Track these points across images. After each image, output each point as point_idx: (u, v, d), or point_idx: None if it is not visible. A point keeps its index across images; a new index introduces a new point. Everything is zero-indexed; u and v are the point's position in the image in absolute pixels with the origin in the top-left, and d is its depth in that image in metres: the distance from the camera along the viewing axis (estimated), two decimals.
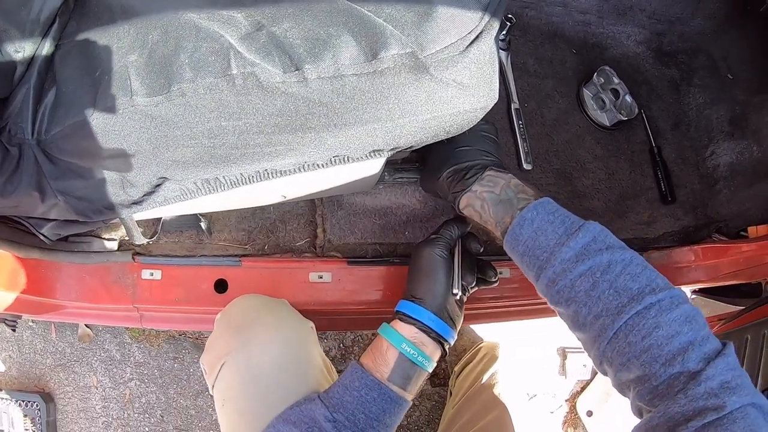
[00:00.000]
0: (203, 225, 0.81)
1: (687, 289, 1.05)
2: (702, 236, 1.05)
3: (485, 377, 1.05)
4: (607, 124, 1.01)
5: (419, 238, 0.82)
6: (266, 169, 0.63)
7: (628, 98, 1.03)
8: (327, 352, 1.23)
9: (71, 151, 0.58)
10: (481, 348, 1.12)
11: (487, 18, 0.53)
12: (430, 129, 0.58)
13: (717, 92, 1.14)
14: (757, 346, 0.86)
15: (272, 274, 0.82)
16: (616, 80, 1.03)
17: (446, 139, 0.68)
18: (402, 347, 0.62)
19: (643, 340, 0.48)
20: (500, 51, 0.97)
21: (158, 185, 0.66)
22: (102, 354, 1.28)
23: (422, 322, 0.64)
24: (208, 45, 0.53)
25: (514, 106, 0.94)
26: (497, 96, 0.61)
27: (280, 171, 0.63)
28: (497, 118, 0.93)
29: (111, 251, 0.86)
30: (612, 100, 1.02)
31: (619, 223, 0.98)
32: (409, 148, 0.62)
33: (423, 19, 0.51)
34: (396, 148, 0.60)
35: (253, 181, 0.65)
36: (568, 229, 0.55)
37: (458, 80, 0.53)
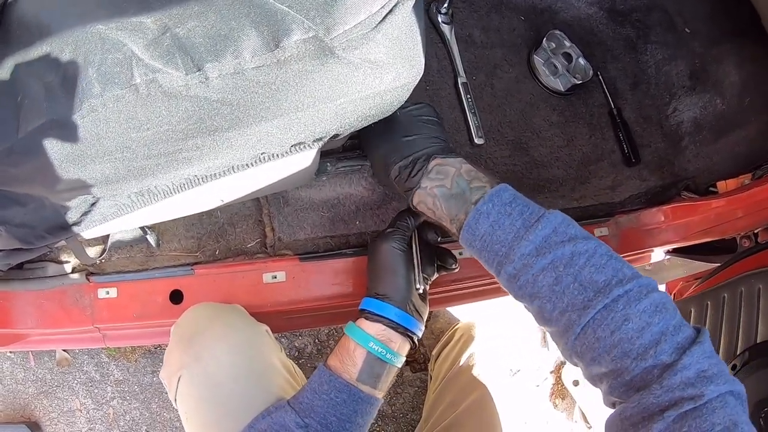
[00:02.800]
0: (150, 238, 0.79)
1: (661, 250, 1.03)
2: (671, 195, 1.03)
3: (463, 359, 1.03)
4: (562, 90, 0.98)
5: (371, 226, 0.80)
6: (195, 176, 0.61)
7: (582, 61, 1.00)
8: (303, 349, 1.22)
9: (5, 180, 0.57)
10: (457, 329, 1.11)
11: None
12: (350, 114, 0.55)
13: (675, 47, 1.10)
14: (735, 305, 0.84)
15: (225, 279, 0.80)
16: (567, 44, 1.00)
17: (384, 132, 0.66)
18: (369, 346, 0.61)
19: (613, 335, 0.46)
20: (443, 24, 0.94)
21: (93, 203, 0.65)
22: (82, 376, 1.26)
23: (388, 319, 0.62)
24: (113, 56, 0.50)
25: (461, 80, 0.91)
26: (422, 70, 0.58)
27: (209, 176, 0.61)
28: (443, 94, 0.90)
29: (65, 274, 0.85)
30: (564, 64, 0.98)
31: (581, 190, 0.95)
32: (336, 136, 0.60)
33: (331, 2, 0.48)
34: (319, 138, 0.57)
35: (185, 189, 0.63)
36: (526, 221, 0.52)
37: (371, 59, 0.51)
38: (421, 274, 0.64)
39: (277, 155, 0.58)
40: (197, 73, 0.48)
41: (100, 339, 0.89)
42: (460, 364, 1.03)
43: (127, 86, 0.49)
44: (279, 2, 0.49)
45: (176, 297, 0.81)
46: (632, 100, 1.07)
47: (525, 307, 0.56)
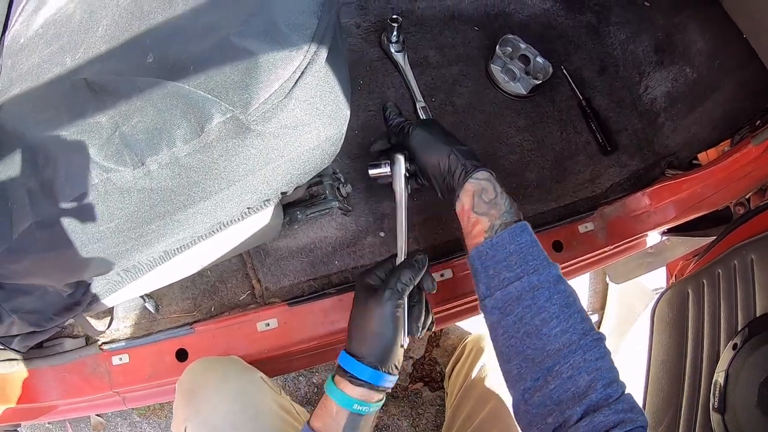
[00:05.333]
0: (148, 305, 0.85)
1: (655, 233, 1.01)
2: (655, 176, 1.01)
3: (474, 372, 1.04)
4: (524, 93, 0.99)
5: (349, 263, 0.83)
6: (166, 251, 0.66)
7: (540, 60, 1.00)
8: (321, 384, 1.24)
9: (9, 275, 0.63)
10: (467, 343, 1.12)
11: (313, 48, 0.54)
12: (284, 175, 0.58)
13: (637, 24, 1.09)
14: (730, 280, 0.83)
15: (223, 332, 0.85)
16: (522, 45, 1.01)
17: (439, 132, 0.73)
18: (353, 407, 0.62)
19: (597, 362, 0.57)
20: (396, 54, 0.96)
21: (89, 284, 0.70)
22: None
23: (369, 383, 0.62)
24: (76, 159, 0.56)
25: (419, 105, 0.93)
26: (346, 119, 0.61)
27: (179, 248, 0.65)
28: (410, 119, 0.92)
29: (81, 347, 0.92)
30: (521, 67, 0.99)
31: (559, 190, 0.95)
32: (285, 193, 0.63)
33: (246, 76, 0.52)
34: (266, 200, 0.61)
35: (164, 261, 0.68)
36: (547, 258, 0.62)
37: (288, 124, 0.54)
38: (406, 332, 0.64)
39: (233, 221, 0.62)
40: (141, 167, 0.53)
41: (120, 402, 0.95)
42: (472, 377, 1.04)
43: (88, 187, 0.55)
44: (202, 89, 0.53)
45: (182, 355, 0.87)
46: (602, 86, 1.06)
47: (514, 334, 0.60)
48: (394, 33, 0.95)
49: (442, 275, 0.86)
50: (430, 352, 1.23)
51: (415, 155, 0.71)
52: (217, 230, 0.62)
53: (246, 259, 0.84)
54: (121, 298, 0.79)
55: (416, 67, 0.97)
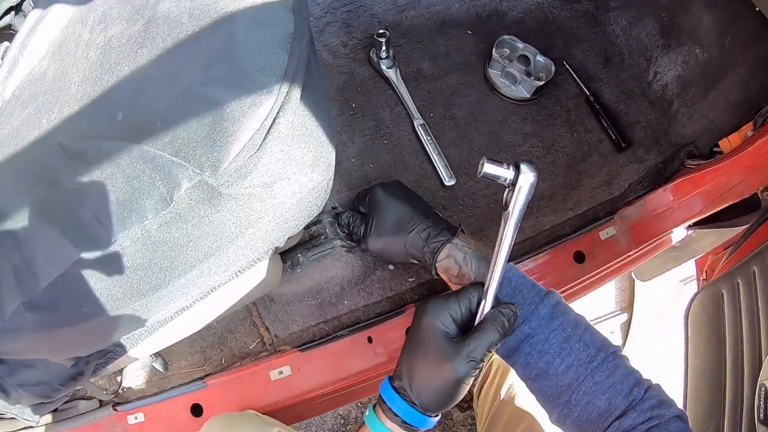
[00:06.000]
0: (156, 365, 0.81)
1: (680, 229, 0.95)
2: (674, 168, 0.95)
3: (503, 393, 0.99)
4: (528, 96, 0.93)
5: (360, 302, 0.78)
6: (158, 321, 0.62)
7: (540, 58, 0.94)
8: (347, 416, 1.20)
9: (9, 353, 0.61)
10: (493, 361, 1.07)
11: (285, 89, 0.49)
12: (270, 233, 0.54)
13: (638, 7, 1.03)
14: (767, 278, 0.77)
15: (236, 384, 0.81)
16: (520, 45, 0.95)
17: (399, 198, 0.71)
18: None
19: (608, 379, 0.57)
20: (387, 70, 0.91)
21: (90, 354, 0.68)
22: None
23: (412, 427, 0.57)
24: (52, 239, 0.52)
25: (417, 122, 0.88)
26: (332, 164, 0.56)
27: (172, 315, 0.62)
28: (404, 143, 0.87)
29: (95, 409, 0.90)
30: (522, 69, 0.93)
31: (575, 197, 0.90)
32: (276, 249, 0.59)
33: (212, 131, 0.47)
34: (258, 259, 0.56)
35: (159, 328, 0.64)
36: (538, 292, 0.61)
37: (264, 182, 0.49)
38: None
39: (221, 285, 0.58)
40: (114, 245, 0.48)
41: None
42: (501, 397, 0.99)
43: (65, 268, 0.51)
44: (169, 151, 0.48)
45: (196, 410, 0.84)
46: (608, 78, 1.00)
47: (527, 377, 0.62)
48: (383, 48, 0.90)
49: None
50: None
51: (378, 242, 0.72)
52: (208, 294, 0.58)
53: (251, 308, 0.79)
54: (126, 363, 0.77)
55: (410, 82, 0.92)
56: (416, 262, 0.71)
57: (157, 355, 0.83)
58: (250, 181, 0.49)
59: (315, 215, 0.57)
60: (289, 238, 0.61)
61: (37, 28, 0.70)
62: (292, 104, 0.50)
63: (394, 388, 0.58)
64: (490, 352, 0.56)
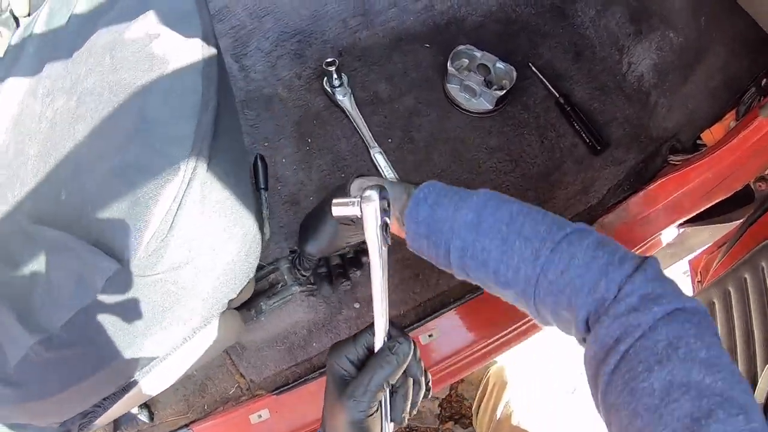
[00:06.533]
0: (141, 417, 0.84)
1: (670, 229, 0.89)
2: (656, 167, 0.89)
3: (499, 411, 0.97)
4: (490, 107, 0.89)
5: (327, 343, 0.78)
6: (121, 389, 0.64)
7: (501, 65, 0.90)
8: None
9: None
10: (489, 376, 1.04)
11: (192, 164, 0.48)
12: (206, 304, 0.54)
13: None
14: (760, 285, 0.71)
15: (220, 429, 0.83)
16: (478, 54, 0.91)
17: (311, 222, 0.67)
18: None
19: (563, 275, 0.47)
20: (341, 99, 0.89)
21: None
22: None
23: None
24: (10, 327, 0.54)
25: (374, 151, 0.85)
26: (255, 228, 0.55)
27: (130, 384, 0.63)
28: (363, 173, 0.85)
29: None
30: (480, 80, 0.89)
31: (549, 209, 0.83)
32: (230, 303, 0.59)
33: (128, 217, 0.47)
34: (193, 330, 0.56)
35: (128, 390, 0.66)
36: (461, 196, 0.53)
37: (179, 262, 0.49)
38: (389, 426, 0.54)
39: (170, 353, 0.58)
40: (46, 335, 0.50)
41: None
42: (498, 416, 0.97)
43: (25, 351, 0.53)
44: (93, 236, 0.49)
45: None
46: (579, 75, 0.95)
47: (478, 282, 0.55)
48: (334, 77, 0.88)
49: (430, 336, 0.79)
50: (455, 388, 1.16)
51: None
52: (154, 367, 0.59)
53: (224, 356, 0.80)
54: (114, 415, 0.79)
55: (366, 107, 0.90)
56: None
57: (143, 406, 0.85)
58: (164, 264, 0.48)
59: (251, 274, 0.57)
60: (241, 291, 0.61)
61: None
62: (198, 179, 0.49)
63: None
64: (380, 388, 0.51)
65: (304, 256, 0.69)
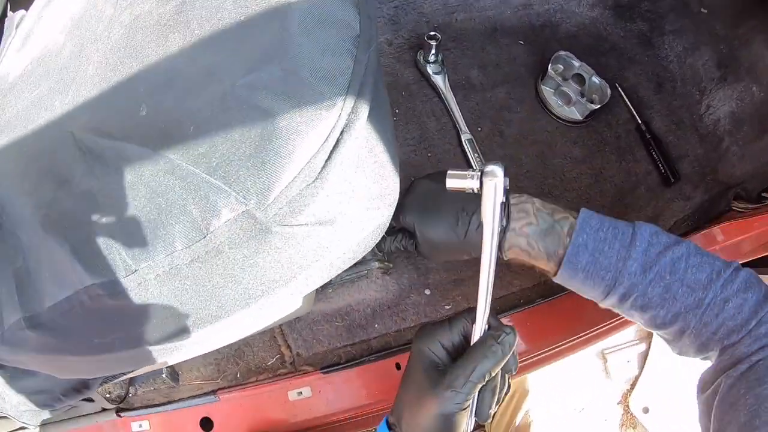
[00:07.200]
0: (165, 375, 0.75)
1: None
2: (720, 210, 0.91)
3: (519, 419, 0.96)
4: (580, 118, 0.88)
5: (392, 327, 0.73)
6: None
7: (596, 79, 0.89)
8: None
9: (9, 361, 0.54)
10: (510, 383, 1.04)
11: (350, 104, 0.40)
12: (322, 278, 0.47)
13: (695, 33, 0.98)
14: None
15: (251, 401, 0.76)
16: (576, 63, 0.90)
17: (438, 198, 0.60)
18: None
19: (717, 317, 0.51)
20: (434, 76, 0.85)
21: None
22: None
23: None
24: (59, 255, 0.43)
25: (465, 137, 0.82)
26: (398, 191, 0.49)
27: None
28: (449, 157, 0.82)
29: (97, 412, 0.84)
30: (577, 89, 0.88)
31: None
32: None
33: (260, 149, 0.38)
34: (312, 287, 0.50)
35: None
36: (622, 242, 0.54)
37: (322, 219, 0.41)
38: (472, 424, 0.52)
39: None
40: (134, 275, 0.40)
41: None
42: (517, 423, 0.96)
43: (71, 291, 0.43)
44: (204, 167, 0.39)
45: (206, 424, 0.78)
46: (659, 106, 0.96)
47: (634, 318, 0.58)
48: (432, 52, 0.84)
49: None
50: None
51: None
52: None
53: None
54: (137, 372, 0.70)
55: (458, 91, 0.86)
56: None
57: (168, 366, 0.76)
58: (306, 217, 0.40)
59: (368, 250, 0.51)
60: None
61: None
62: (358, 125, 0.41)
63: (389, 424, 0.53)
64: (481, 380, 0.48)
65: (405, 231, 0.64)
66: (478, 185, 0.47)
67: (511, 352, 0.50)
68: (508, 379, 0.56)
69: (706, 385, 0.54)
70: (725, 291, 0.52)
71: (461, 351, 0.52)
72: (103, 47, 0.52)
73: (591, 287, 0.56)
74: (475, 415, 0.52)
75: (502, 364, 0.50)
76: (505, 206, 0.51)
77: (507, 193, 0.51)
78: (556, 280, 0.58)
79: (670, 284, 0.53)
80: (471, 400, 0.50)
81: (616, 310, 0.58)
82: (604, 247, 0.54)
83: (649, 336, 1.17)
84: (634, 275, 0.53)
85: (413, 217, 0.61)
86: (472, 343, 0.51)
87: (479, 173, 0.47)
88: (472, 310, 0.52)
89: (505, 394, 0.57)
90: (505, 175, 0.47)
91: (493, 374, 0.50)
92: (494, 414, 1.08)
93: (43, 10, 0.62)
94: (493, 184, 0.46)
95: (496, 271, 0.50)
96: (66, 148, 0.47)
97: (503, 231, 0.56)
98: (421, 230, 0.61)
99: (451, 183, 0.48)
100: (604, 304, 0.58)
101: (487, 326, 0.51)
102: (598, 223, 0.55)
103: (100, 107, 0.48)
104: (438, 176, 0.63)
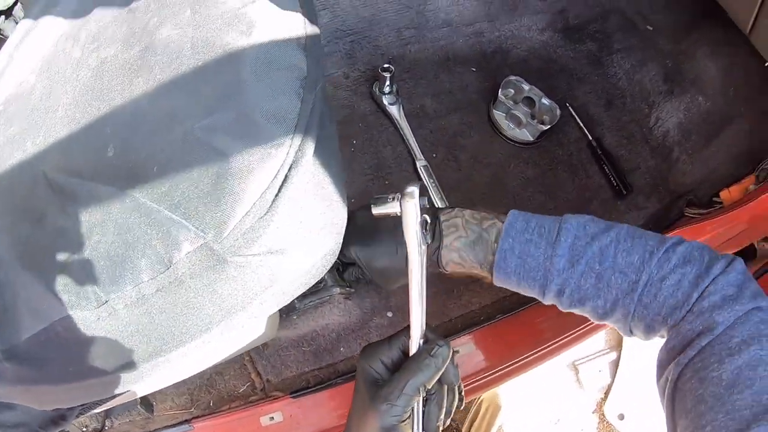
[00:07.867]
0: (140, 407, 0.78)
1: None
2: (673, 217, 0.95)
3: None
4: (532, 139, 0.92)
5: (356, 349, 0.76)
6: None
7: (546, 101, 0.94)
8: None
9: None
10: (482, 400, 1.06)
11: (297, 141, 0.44)
12: (275, 303, 0.51)
13: (641, 50, 1.03)
14: None
15: (225, 428, 0.78)
16: (526, 87, 0.94)
17: (374, 231, 0.61)
18: None
19: (657, 297, 0.50)
20: (389, 106, 0.89)
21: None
22: None
23: None
24: (36, 288, 0.48)
25: (420, 163, 0.86)
26: (345, 218, 0.53)
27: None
28: (405, 184, 0.85)
29: None
30: (527, 112, 0.92)
31: None
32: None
33: (217, 187, 0.42)
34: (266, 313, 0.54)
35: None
36: (548, 240, 0.54)
37: (273, 248, 0.45)
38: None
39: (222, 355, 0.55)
40: (105, 305, 0.44)
41: None
42: None
43: (49, 323, 0.47)
44: (166, 204, 0.43)
45: None
46: (610, 122, 1.00)
47: (579, 313, 0.57)
48: (387, 83, 0.88)
49: (457, 351, 0.79)
50: None
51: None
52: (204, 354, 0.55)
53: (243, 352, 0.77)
54: (113, 404, 0.73)
55: (413, 119, 0.90)
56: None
57: (142, 396, 0.79)
58: (259, 247, 0.44)
59: (321, 276, 0.54)
60: None
61: (26, 40, 0.66)
62: (305, 160, 0.45)
63: None
64: (416, 393, 0.50)
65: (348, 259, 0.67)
66: (398, 209, 0.49)
67: (445, 365, 0.52)
68: (459, 392, 0.58)
69: (661, 368, 0.52)
70: (662, 269, 0.50)
71: (400, 366, 0.53)
72: (72, 89, 0.56)
73: (526, 288, 0.57)
74: (423, 429, 0.54)
75: (437, 376, 0.51)
76: (427, 224, 0.52)
77: (428, 211, 0.53)
78: (496, 284, 0.58)
79: (602, 273, 0.52)
80: (410, 413, 0.51)
81: (562, 309, 0.58)
82: (531, 248, 0.54)
83: (619, 344, 1.19)
84: (564, 271, 0.53)
85: (356, 250, 0.63)
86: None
87: (399, 196, 0.49)
88: (408, 327, 0.53)
89: (458, 407, 0.60)
90: (421, 195, 0.48)
91: (429, 386, 0.52)
92: (469, 430, 1.10)
93: (15, 50, 0.65)
94: (413, 205, 0.47)
95: (426, 287, 0.51)
96: (39, 187, 0.51)
97: (438, 248, 0.58)
98: (366, 262, 0.63)
99: (376, 210, 0.50)
100: (546, 302, 0.58)
101: (423, 341, 0.52)
102: (523, 225, 0.55)
103: (70, 148, 0.52)
104: (365, 219, 0.66)
